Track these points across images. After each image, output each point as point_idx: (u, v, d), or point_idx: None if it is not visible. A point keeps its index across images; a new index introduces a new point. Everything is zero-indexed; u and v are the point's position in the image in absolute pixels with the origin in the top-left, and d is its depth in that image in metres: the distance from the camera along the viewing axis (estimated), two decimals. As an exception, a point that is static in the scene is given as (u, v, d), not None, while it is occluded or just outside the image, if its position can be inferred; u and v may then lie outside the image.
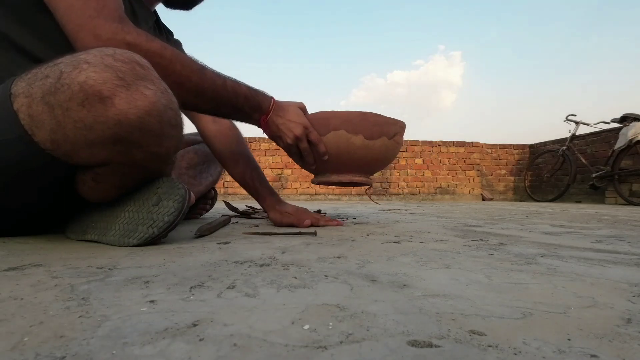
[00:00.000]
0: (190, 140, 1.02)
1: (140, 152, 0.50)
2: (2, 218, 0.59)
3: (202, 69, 0.61)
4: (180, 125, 0.54)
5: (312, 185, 3.38)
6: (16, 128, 0.46)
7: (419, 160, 4.45)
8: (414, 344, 0.19)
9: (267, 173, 3.95)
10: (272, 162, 4.11)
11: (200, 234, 0.65)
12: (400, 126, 0.83)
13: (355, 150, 0.76)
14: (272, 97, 0.74)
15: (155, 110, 0.47)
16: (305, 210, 0.86)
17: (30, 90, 0.46)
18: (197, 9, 0.83)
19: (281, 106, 0.74)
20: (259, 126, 0.75)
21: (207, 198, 1.13)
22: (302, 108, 0.78)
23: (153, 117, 0.47)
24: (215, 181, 1.08)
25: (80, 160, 0.50)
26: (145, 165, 0.53)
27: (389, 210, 1.79)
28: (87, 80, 0.43)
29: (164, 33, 0.86)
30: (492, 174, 4.64)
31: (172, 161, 0.59)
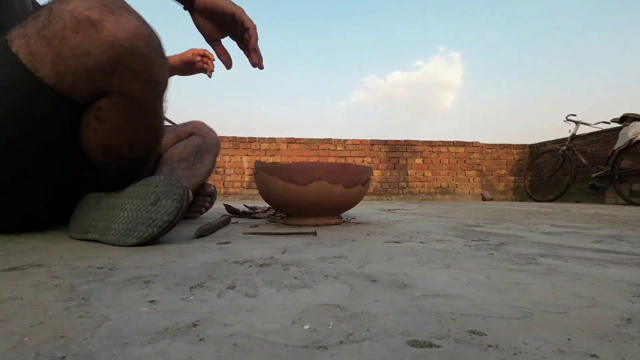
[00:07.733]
0: (178, 134, 1.01)
1: (135, 81, 0.53)
2: (14, 194, 0.58)
3: None
4: (165, 56, 0.57)
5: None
6: (19, 68, 0.49)
7: (419, 160, 4.44)
8: (414, 344, 0.19)
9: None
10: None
11: (200, 234, 0.65)
12: (371, 172, 0.93)
13: (335, 198, 0.83)
14: None
15: (142, 34, 0.51)
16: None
17: (25, 31, 0.49)
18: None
19: None
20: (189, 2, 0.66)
21: (206, 194, 1.10)
22: None
23: (141, 40, 0.51)
24: (210, 170, 1.05)
25: (83, 93, 0.52)
26: (141, 102, 0.56)
27: (389, 210, 1.79)
28: (75, 8, 0.47)
29: None
30: (492, 174, 4.64)
31: (162, 132, 0.64)
